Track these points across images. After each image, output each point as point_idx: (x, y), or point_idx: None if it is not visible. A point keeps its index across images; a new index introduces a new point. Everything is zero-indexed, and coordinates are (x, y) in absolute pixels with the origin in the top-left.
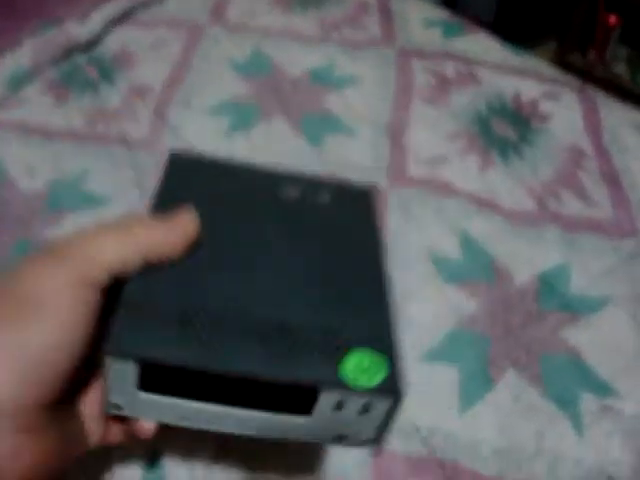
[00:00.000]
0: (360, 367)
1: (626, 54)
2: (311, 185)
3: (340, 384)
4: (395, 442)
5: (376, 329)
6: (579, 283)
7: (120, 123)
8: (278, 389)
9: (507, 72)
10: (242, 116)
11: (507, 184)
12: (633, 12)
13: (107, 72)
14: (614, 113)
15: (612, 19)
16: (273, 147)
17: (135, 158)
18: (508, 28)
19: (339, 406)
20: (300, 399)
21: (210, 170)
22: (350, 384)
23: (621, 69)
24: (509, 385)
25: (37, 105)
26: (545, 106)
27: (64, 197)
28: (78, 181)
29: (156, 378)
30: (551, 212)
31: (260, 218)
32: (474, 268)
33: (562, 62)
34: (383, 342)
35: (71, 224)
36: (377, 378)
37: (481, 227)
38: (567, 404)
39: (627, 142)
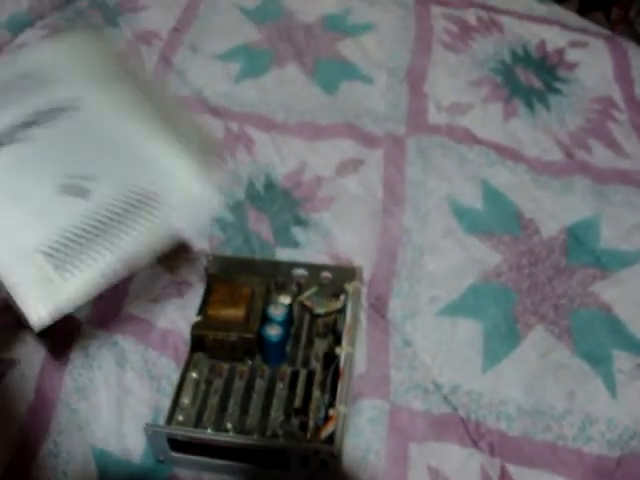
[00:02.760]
0: None
1: None
2: None
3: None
4: (413, 400)
5: None
6: (610, 237)
7: None
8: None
9: (531, 20)
10: (253, 62)
11: (532, 134)
12: None
13: (111, 16)
14: None
15: None
16: (285, 94)
17: None
18: None
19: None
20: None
21: None
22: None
23: None
24: (536, 342)
25: None
26: (572, 55)
27: None
28: None
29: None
30: (580, 163)
31: None
32: (497, 220)
33: None
34: None
35: None
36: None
37: (505, 178)
38: (599, 362)
39: None
